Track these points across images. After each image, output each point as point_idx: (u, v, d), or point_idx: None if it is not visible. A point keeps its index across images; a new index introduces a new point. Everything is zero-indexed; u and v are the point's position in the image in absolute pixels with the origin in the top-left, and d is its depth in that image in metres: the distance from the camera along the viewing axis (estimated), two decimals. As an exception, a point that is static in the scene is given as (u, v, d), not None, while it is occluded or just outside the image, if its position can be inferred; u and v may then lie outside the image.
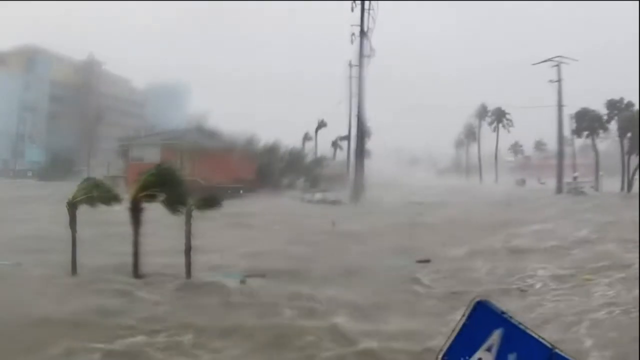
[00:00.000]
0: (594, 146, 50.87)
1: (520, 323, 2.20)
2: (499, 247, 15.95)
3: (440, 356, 2.18)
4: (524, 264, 13.14)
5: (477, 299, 2.23)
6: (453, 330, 2.19)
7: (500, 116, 67.12)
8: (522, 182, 66.86)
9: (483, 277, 12.23)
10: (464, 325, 2.20)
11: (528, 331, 2.19)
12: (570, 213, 26.01)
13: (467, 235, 17.73)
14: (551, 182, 58.20)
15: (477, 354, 2.19)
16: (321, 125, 56.67)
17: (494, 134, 68.65)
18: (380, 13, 40.40)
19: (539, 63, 52.77)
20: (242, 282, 11.62)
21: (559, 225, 20.54)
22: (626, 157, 47.19)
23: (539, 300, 9.86)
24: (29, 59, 57.20)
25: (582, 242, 16.19)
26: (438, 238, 17.88)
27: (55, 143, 53.28)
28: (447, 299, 9.95)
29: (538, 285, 11.17)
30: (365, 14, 40.92)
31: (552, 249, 15.32)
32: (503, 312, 2.19)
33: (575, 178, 49.39)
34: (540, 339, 2.19)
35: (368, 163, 44.28)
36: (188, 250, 12.02)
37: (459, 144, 72.74)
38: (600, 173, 49.83)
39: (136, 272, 12.01)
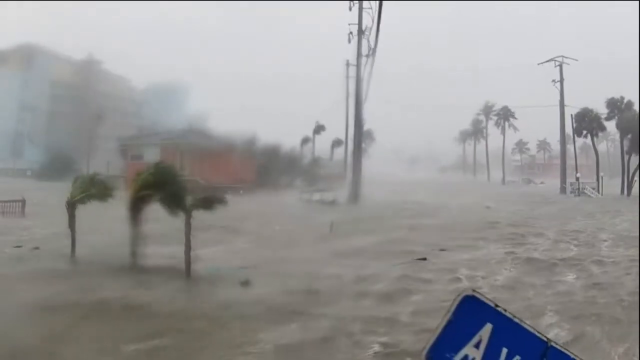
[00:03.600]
0: (594, 147, 50.62)
1: (514, 316, 2.02)
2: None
3: (424, 353, 2.01)
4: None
5: (465, 293, 2.05)
6: (437, 327, 2.01)
7: (506, 115, 66.81)
8: (528, 181, 67.84)
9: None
10: (450, 320, 2.03)
11: (522, 324, 2.02)
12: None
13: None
14: (550, 182, 58.23)
15: (464, 351, 2.02)
16: (319, 128, 56.62)
17: (498, 133, 68.47)
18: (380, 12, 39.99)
19: (542, 63, 52.83)
20: (245, 283, 11.35)
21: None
22: (626, 158, 46.97)
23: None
24: (28, 58, 57.17)
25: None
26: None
27: (55, 142, 53.25)
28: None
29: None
30: (364, 13, 40.73)
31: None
32: (497, 305, 2.02)
33: (577, 179, 49.23)
34: (535, 333, 2.02)
35: (367, 163, 44.21)
36: (188, 249, 11.95)
37: (463, 141, 72.20)
38: (601, 174, 49.64)
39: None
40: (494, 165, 68.86)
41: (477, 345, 2.01)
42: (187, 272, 11.91)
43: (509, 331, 2.02)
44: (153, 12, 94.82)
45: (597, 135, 50.74)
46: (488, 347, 2.01)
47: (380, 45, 38.94)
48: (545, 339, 2.01)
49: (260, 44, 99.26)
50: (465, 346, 2.00)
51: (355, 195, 37.66)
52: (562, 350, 2.02)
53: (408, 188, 42.02)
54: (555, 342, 2.02)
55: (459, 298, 2.01)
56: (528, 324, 2.02)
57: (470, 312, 2.01)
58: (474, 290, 2.03)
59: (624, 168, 47.60)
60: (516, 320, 2.02)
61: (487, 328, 2.02)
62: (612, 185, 49.27)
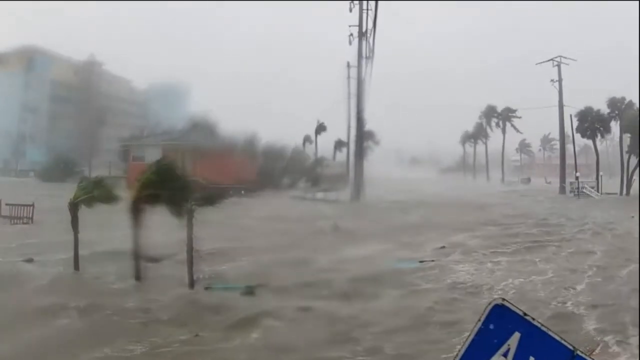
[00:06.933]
0: (594, 146, 50.55)
1: (542, 324, 2.08)
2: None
3: (455, 362, 2.07)
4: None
5: (494, 302, 2.12)
6: (469, 335, 2.08)
7: (507, 116, 66.74)
8: (527, 181, 67.85)
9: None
10: (480, 329, 2.09)
11: (549, 333, 2.08)
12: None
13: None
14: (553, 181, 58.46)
15: (493, 359, 2.08)
16: (320, 128, 56.58)
17: (498, 134, 68.39)
18: (380, 13, 40.03)
19: (540, 63, 52.82)
20: (249, 292, 11.12)
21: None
22: (626, 157, 46.92)
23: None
24: (29, 59, 57.18)
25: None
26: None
27: (57, 143, 53.35)
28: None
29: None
30: (364, 14, 40.63)
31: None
32: (525, 314, 2.08)
33: (577, 178, 49.18)
34: (562, 341, 2.08)
35: (368, 163, 44.23)
36: (190, 251, 11.77)
37: (464, 142, 72.19)
38: (600, 173, 49.59)
39: (138, 276, 11.79)
40: (493, 166, 68.96)
41: (505, 354, 2.07)
42: (190, 279, 11.69)
43: (536, 340, 2.08)
44: (153, 12, 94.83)
45: (603, 135, 50.66)
46: (516, 356, 2.07)
47: (381, 47, 39.03)
48: (571, 348, 2.07)
49: (261, 44, 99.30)
50: (494, 354, 2.07)
51: (357, 195, 37.82)
52: (588, 359, 2.08)
53: (411, 188, 42.36)
54: (581, 351, 2.08)
55: (489, 307, 2.08)
56: (555, 332, 2.08)
57: (500, 320, 2.07)
58: (503, 300, 2.09)
59: (623, 167, 47.56)
60: (543, 329, 2.08)
61: (515, 337, 2.08)
62: (612, 184, 49.27)
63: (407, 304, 10.20)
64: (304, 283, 11.95)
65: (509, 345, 2.06)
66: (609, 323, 8.72)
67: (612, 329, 8.42)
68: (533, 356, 2.07)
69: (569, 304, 10.12)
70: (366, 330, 8.47)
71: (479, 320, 2.05)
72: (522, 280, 12.19)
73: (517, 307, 2.07)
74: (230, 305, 10.03)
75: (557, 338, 2.08)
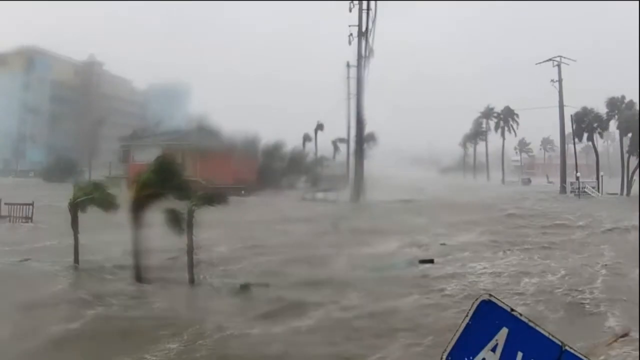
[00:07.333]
0: (594, 147, 50.46)
1: (529, 320, 2.08)
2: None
3: (444, 357, 2.07)
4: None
5: (482, 298, 2.12)
6: (457, 331, 2.08)
7: (508, 116, 66.66)
8: (528, 182, 67.65)
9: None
10: (467, 325, 2.09)
11: (537, 328, 2.08)
12: None
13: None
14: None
15: (481, 354, 2.08)
16: (319, 127, 56.44)
17: (498, 134, 68.31)
18: (380, 13, 40.00)
19: (540, 63, 52.74)
20: (244, 287, 11.15)
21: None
22: (626, 157, 46.88)
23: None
24: (29, 60, 57.24)
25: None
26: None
27: (57, 143, 53.43)
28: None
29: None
30: (364, 14, 40.60)
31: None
32: (512, 310, 2.08)
33: (577, 178, 49.11)
34: (550, 337, 2.08)
35: (368, 163, 44.15)
36: (190, 250, 11.77)
37: (464, 143, 72.11)
38: (601, 173, 49.53)
39: (138, 276, 11.78)
40: (494, 166, 68.88)
41: (493, 349, 2.08)
42: (190, 278, 11.69)
43: (524, 335, 2.08)
44: (153, 12, 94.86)
45: (601, 135, 50.56)
46: (504, 351, 2.07)
47: (382, 49, 38.96)
48: (559, 343, 2.07)
49: (261, 44, 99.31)
50: (482, 350, 2.07)
51: (357, 195, 37.78)
52: (577, 354, 2.07)
53: (411, 188, 42.43)
54: (569, 347, 2.08)
55: (477, 302, 2.08)
56: (543, 328, 2.08)
57: (487, 316, 2.07)
58: (490, 295, 2.10)
59: (624, 167, 47.52)
60: (531, 324, 2.08)
61: (503, 332, 2.08)
62: (612, 184, 49.22)
63: (420, 303, 10.19)
64: (304, 282, 11.96)
65: (497, 340, 2.06)
66: (624, 318, 8.88)
67: (629, 323, 8.56)
68: (521, 351, 2.07)
69: (587, 301, 10.24)
70: (380, 329, 8.50)
71: (467, 315, 2.06)
72: (538, 279, 12.22)
73: (504, 303, 2.07)
74: (236, 302, 10.10)
75: (546, 334, 2.08)
